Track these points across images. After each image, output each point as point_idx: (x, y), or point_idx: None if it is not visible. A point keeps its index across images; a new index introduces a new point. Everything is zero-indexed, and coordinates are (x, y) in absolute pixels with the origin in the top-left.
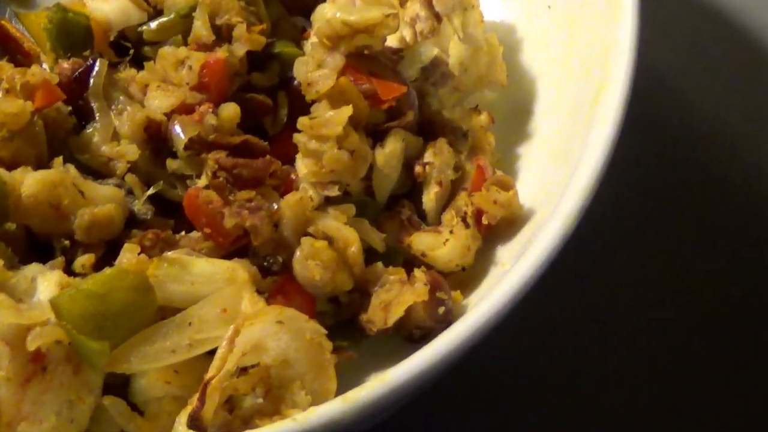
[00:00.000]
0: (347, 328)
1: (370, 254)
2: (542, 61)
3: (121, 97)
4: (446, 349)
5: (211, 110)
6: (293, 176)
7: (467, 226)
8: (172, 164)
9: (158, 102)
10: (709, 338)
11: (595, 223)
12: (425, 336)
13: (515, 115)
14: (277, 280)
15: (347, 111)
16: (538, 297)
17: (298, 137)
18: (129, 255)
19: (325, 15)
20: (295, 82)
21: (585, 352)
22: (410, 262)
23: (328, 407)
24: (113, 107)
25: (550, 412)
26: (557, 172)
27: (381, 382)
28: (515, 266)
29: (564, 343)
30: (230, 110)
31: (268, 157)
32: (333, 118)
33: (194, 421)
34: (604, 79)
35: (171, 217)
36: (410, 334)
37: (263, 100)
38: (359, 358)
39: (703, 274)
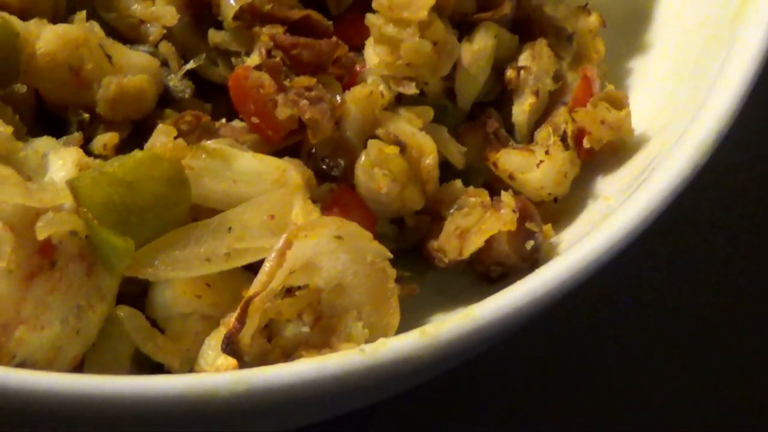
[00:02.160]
0: (410, 256)
1: (444, 170)
2: None
3: None
4: (543, 290)
5: None
6: (357, 68)
7: (566, 147)
8: (215, 36)
9: None
10: None
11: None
12: (503, 275)
13: (631, 19)
14: (334, 190)
15: None
16: None
17: (372, 19)
18: (163, 138)
19: None
20: None
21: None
22: (490, 185)
23: (404, 340)
24: None
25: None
26: (682, 94)
27: (468, 318)
28: (629, 200)
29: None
30: None
31: (333, 38)
32: (417, 0)
33: (231, 344)
34: None
35: (207, 101)
36: (487, 270)
37: None
38: (422, 293)
39: None
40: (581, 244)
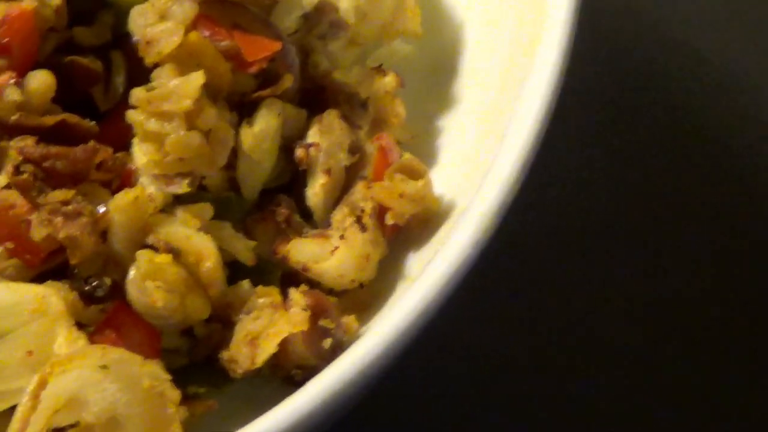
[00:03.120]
0: (206, 369)
1: (239, 269)
2: (470, 3)
3: None
4: (309, 407)
5: (13, 81)
6: (132, 166)
7: (363, 228)
8: None
9: None
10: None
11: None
12: (309, 377)
13: (436, 74)
14: (106, 309)
15: (198, 78)
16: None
17: (132, 115)
18: None
19: None
20: (134, 39)
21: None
22: (292, 277)
23: None
24: None
25: None
26: (484, 150)
27: None
28: (417, 283)
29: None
30: (41, 80)
31: (91, 143)
32: (179, 88)
33: None
34: (541, 14)
35: None
36: (290, 375)
37: (89, 64)
38: (225, 407)
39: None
40: (359, 342)
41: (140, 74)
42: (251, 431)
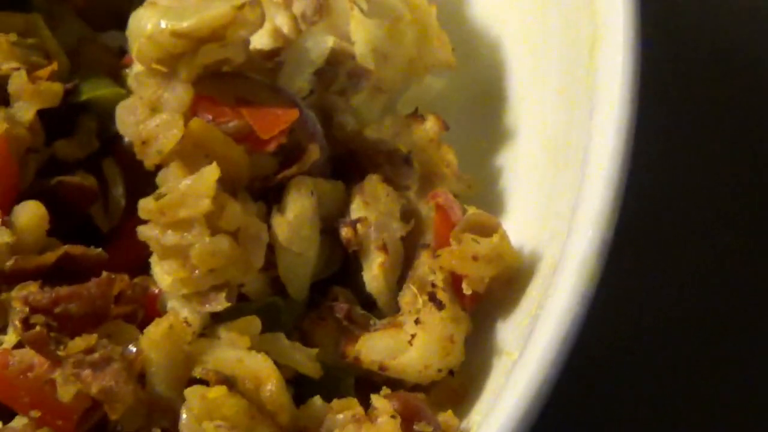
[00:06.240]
0: None
1: (305, 384)
2: (505, 16)
3: None
4: None
5: None
6: (155, 290)
7: (440, 305)
8: None
9: None
10: None
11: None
12: None
13: (481, 105)
14: None
15: (212, 173)
16: None
17: (145, 231)
18: None
19: (143, 27)
20: (125, 141)
21: None
22: (367, 381)
23: None
24: None
25: None
26: (561, 185)
27: None
28: (522, 357)
29: None
30: (30, 213)
31: (104, 273)
32: (193, 189)
33: None
34: (595, 26)
35: None
36: None
37: (80, 181)
38: None
39: None
40: None
41: (142, 181)
42: None
